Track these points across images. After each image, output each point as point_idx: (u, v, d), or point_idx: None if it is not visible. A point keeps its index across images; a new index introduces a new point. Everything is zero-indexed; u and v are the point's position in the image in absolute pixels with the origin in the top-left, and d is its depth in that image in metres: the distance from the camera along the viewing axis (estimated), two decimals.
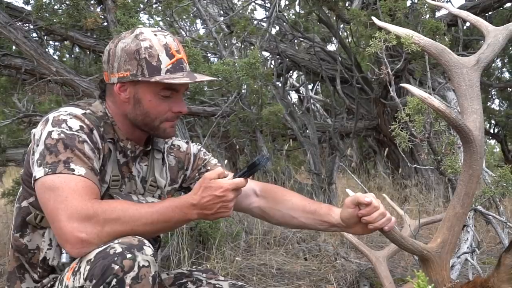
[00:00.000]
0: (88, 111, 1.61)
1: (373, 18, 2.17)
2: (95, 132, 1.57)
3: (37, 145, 1.53)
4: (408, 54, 2.97)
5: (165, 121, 1.66)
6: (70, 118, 1.54)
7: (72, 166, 1.48)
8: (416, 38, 1.86)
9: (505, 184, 2.09)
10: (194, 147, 1.92)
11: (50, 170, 1.47)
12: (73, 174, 1.47)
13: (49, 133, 1.51)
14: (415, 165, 2.40)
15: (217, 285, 1.81)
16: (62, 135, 1.50)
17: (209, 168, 1.89)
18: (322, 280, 2.94)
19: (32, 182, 1.52)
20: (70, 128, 1.52)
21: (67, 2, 2.58)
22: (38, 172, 1.48)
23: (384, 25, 2.01)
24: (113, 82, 1.63)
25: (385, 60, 2.04)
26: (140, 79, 1.59)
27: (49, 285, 1.64)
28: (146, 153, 1.77)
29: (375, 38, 1.95)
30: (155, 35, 1.61)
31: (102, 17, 2.59)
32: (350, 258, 3.17)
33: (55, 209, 1.44)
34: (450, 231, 1.68)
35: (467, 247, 2.29)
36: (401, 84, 1.71)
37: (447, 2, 4.79)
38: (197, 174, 1.89)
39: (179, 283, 1.84)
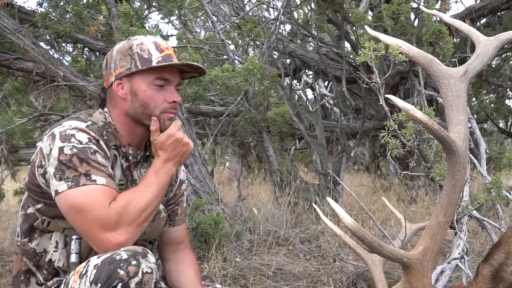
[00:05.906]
0: (89, 123, 1.68)
1: (366, 27, 2.20)
2: (101, 142, 1.65)
3: (48, 160, 1.59)
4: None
5: (164, 112, 1.72)
6: (77, 131, 1.61)
7: (93, 177, 1.56)
8: (405, 48, 1.89)
9: (495, 192, 2.11)
10: (182, 173, 1.99)
11: (73, 183, 1.54)
12: (96, 184, 1.55)
13: (61, 149, 1.57)
14: (405, 172, 2.42)
15: None
16: (75, 150, 1.57)
17: (178, 207, 1.97)
18: (320, 281, 2.98)
19: (53, 195, 1.58)
20: (80, 142, 1.59)
21: (70, 11, 2.67)
22: (59, 186, 1.56)
23: (376, 34, 2.04)
24: (111, 82, 1.73)
25: (374, 68, 2.07)
26: (134, 70, 1.68)
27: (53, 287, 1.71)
28: (145, 159, 1.85)
29: (364, 48, 1.98)
30: (146, 36, 1.76)
31: (105, 23, 2.66)
32: (349, 260, 3.21)
33: (86, 225, 1.54)
34: (432, 239, 1.71)
35: (458, 253, 2.31)
36: (386, 96, 1.75)
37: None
38: (173, 203, 1.96)
39: None
